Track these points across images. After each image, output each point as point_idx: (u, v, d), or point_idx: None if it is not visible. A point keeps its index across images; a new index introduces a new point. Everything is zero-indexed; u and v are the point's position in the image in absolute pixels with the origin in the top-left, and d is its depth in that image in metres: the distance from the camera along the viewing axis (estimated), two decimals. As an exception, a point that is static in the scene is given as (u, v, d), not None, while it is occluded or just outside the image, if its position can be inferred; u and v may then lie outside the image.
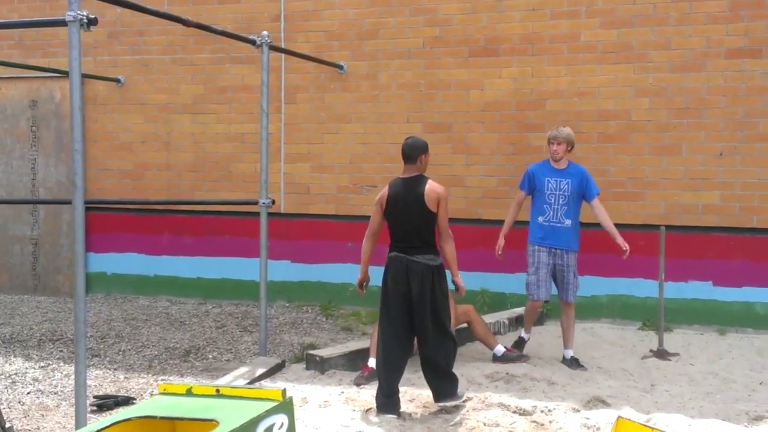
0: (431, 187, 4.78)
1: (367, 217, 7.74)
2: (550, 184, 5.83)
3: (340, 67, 7.78)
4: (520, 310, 7.02)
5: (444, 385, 4.75)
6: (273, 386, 5.42)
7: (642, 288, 6.83)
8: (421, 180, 4.81)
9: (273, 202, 6.23)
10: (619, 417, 3.03)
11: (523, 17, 7.27)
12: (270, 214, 6.36)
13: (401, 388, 5.10)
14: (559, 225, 5.82)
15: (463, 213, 7.44)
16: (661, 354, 5.98)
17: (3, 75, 8.61)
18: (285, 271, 8.00)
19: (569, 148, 5.86)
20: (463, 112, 7.49)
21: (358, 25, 7.77)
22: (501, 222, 7.27)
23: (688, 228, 6.84)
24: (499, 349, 5.90)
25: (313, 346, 6.35)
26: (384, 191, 4.92)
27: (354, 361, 5.81)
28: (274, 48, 6.37)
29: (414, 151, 4.87)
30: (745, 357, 6.01)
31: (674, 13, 6.83)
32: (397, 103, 7.69)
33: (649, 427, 3.01)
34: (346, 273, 7.83)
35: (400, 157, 7.60)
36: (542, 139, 7.16)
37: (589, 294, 7.06)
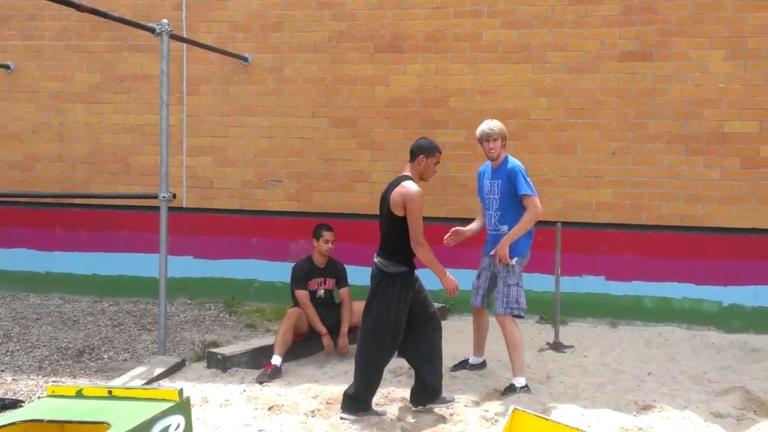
0: (399, 189, 4.48)
1: (272, 213, 7.78)
2: (485, 188, 5.35)
3: (245, 59, 7.65)
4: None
5: (347, 389, 4.71)
6: (171, 386, 5.29)
7: (540, 282, 7.05)
8: (401, 180, 4.56)
9: (174, 196, 6.06)
10: (515, 409, 3.11)
11: (428, 15, 7.35)
12: (171, 209, 6.18)
13: (306, 385, 5.09)
14: (495, 233, 5.25)
15: (368, 208, 7.45)
16: (557, 346, 6.20)
17: None
18: (187, 267, 7.80)
19: (504, 143, 5.24)
20: (368, 108, 7.52)
21: (263, 17, 7.66)
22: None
23: (583, 224, 7.11)
24: None
25: (215, 344, 6.22)
26: None
27: (257, 358, 5.74)
28: (174, 37, 6.19)
29: (415, 150, 4.67)
30: (635, 348, 6.30)
31: (571, 16, 7.08)
32: (303, 97, 7.64)
33: (543, 418, 3.11)
34: (250, 269, 7.73)
35: (305, 152, 7.65)
36: (446, 135, 7.32)
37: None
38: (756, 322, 6.80)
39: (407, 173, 4.65)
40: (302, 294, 5.95)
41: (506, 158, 5.26)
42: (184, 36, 7.45)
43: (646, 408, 4.79)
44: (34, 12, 7.97)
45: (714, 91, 6.82)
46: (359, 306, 5.97)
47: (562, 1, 7.08)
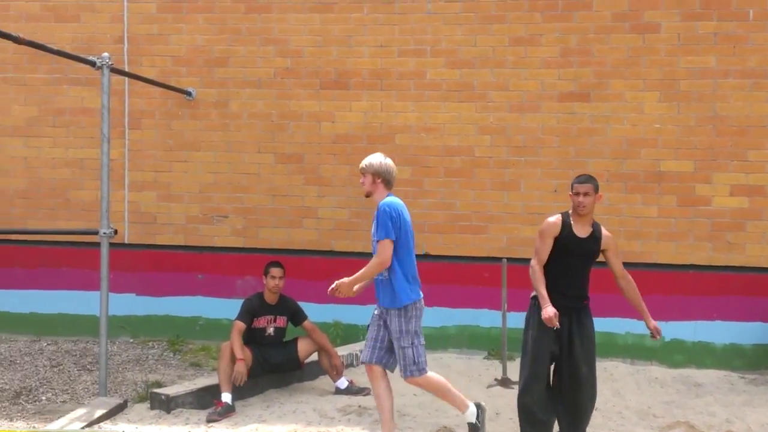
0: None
1: (218, 248, 7.69)
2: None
3: (189, 94, 7.61)
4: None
5: None
6: (113, 429, 5.16)
7: (487, 318, 7.14)
8: None
9: (115, 231, 5.95)
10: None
11: (372, 53, 7.47)
12: (113, 245, 6.07)
13: (254, 425, 5.02)
14: (377, 278, 4.82)
15: (315, 245, 7.47)
16: (505, 382, 6.27)
17: None
18: (129, 304, 7.63)
19: (377, 180, 4.78)
20: (315, 144, 7.55)
21: (208, 52, 7.65)
22: (353, 254, 7.40)
23: (528, 260, 7.17)
24: (342, 382, 5.97)
25: (158, 384, 6.09)
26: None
27: (203, 398, 5.64)
28: (115, 71, 6.13)
29: None
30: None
31: (511, 57, 7.29)
32: (249, 133, 7.62)
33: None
34: (195, 306, 7.61)
35: (251, 188, 7.62)
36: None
37: (438, 325, 7.30)
38: (697, 357, 7.02)
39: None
40: (236, 324, 5.84)
41: (383, 199, 4.79)
42: (126, 69, 7.38)
43: (592, 441, 4.88)
44: (-30, 43, 7.76)
45: (650, 131, 7.10)
46: (324, 337, 6.00)
47: (502, 42, 7.29)
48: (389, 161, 4.85)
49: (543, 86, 7.25)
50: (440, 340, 7.31)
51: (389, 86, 7.45)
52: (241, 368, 5.61)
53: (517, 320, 7.01)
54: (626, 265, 4.92)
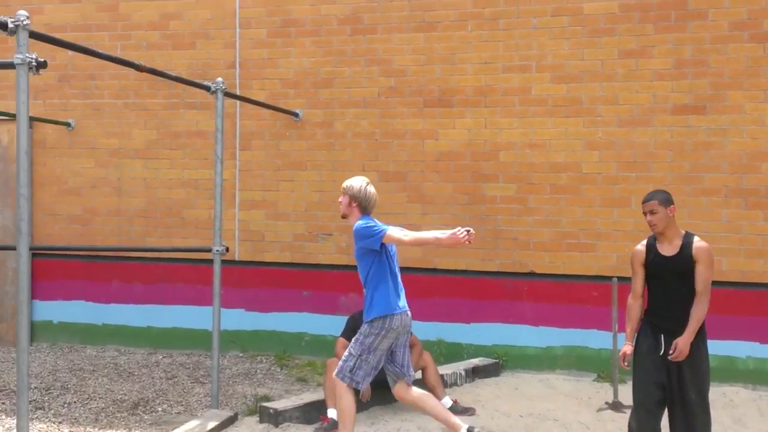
0: None
1: (323, 266, 7.83)
2: None
3: (296, 115, 7.81)
4: (476, 361, 7.07)
5: None
6: (226, 441, 5.30)
7: (596, 339, 6.92)
8: None
9: (227, 249, 6.16)
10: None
11: (476, 70, 7.43)
12: (224, 262, 6.28)
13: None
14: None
15: (419, 262, 7.47)
16: (616, 406, 6.03)
17: (-52, 117, 8.38)
18: (239, 319, 7.88)
19: (353, 203, 4.98)
20: (418, 162, 7.58)
21: (314, 74, 7.83)
22: (457, 272, 7.38)
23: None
24: (446, 401, 5.89)
25: (267, 398, 6.23)
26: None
27: (309, 413, 5.72)
28: (228, 94, 6.37)
29: None
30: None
31: (621, 70, 7.08)
32: (353, 151, 7.74)
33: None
34: (301, 322, 7.76)
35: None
36: (496, 189, 7.34)
37: (544, 345, 7.13)
38: (824, 382, 6.54)
39: None
40: (341, 341, 5.91)
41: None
42: (238, 93, 7.66)
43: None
44: (95, 72, 8.28)
45: (771, 143, 6.71)
46: (423, 354, 5.97)
47: (611, 55, 7.09)
48: (371, 189, 5.00)
49: (655, 99, 6.99)
50: (547, 361, 7.13)
51: (493, 103, 7.39)
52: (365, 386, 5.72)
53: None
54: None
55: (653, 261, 4.47)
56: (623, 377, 6.67)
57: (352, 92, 7.75)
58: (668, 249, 4.45)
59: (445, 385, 6.23)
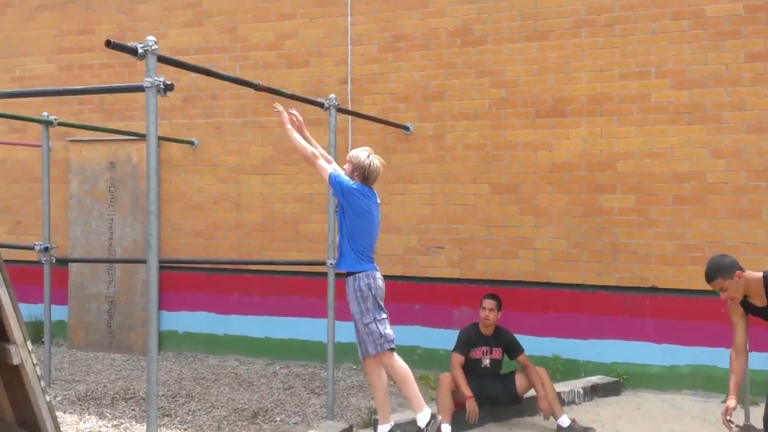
0: None
1: (435, 279, 7.82)
2: None
3: (407, 128, 7.86)
4: (595, 379, 6.84)
5: None
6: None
7: (725, 358, 6.51)
8: None
9: (341, 262, 6.25)
10: None
11: (591, 78, 7.23)
12: (337, 275, 6.37)
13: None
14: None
15: (532, 276, 7.33)
16: (748, 429, 5.67)
17: (84, 138, 9.00)
18: (352, 332, 7.94)
19: (355, 174, 5.15)
20: (530, 173, 7.45)
21: (424, 87, 7.86)
22: (572, 286, 7.19)
23: (771, 293, 6.54)
24: (564, 420, 5.71)
25: (380, 411, 6.26)
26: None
27: (423, 428, 5.70)
28: (341, 110, 6.50)
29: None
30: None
31: (748, 74, 6.70)
32: (464, 164, 7.70)
33: None
34: (413, 336, 7.77)
35: (467, 218, 7.66)
36: (614, 200, 7.11)
37: (668, 363, 6.81)
38: None
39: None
40: (455, 357, 5.89)
41: None
42: (350, 109, 7.80)
43: None
44: (216, 92, 8.65)
45: None
46: (538, 370, 5.83)
47: (737, 58, 6.73)
48: (375, 161, 5.09)
49: (787, 103, 6.57)
50: (672, 381, 6.81)
51: (610, 111, 7.16)
52: (473, 407, 5.67)
53: (761, 361, 6.37)
54: None
55: (751, 310, 4.32)
56: (756, 399, 6.26)
57: (462, 104, 7.72)
58: (759, 302, 4.32)
59: (563, 403, 6.06)
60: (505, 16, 7.52)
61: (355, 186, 5.05)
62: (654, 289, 6.89)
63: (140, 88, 4.34)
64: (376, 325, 5.01)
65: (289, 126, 5.31)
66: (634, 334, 6.94)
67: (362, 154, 5.13)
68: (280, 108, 5.37)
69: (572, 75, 7.30)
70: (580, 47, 7.27)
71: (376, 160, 5.14)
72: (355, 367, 7.95)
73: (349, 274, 5.13)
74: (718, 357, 6.65)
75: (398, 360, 5.06)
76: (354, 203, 5.04)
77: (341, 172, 5.18)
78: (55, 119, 7.10)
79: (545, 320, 7.24)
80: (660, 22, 7.00)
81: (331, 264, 6.12)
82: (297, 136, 5.28)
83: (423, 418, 4.89)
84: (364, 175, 5.10)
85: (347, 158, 5.22)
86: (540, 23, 7.41)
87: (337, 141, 6.30)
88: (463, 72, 7.72)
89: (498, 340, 6.04)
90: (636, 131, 7.07)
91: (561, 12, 7.33)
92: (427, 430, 4.83)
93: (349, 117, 7.86)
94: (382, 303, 5.09)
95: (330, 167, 5.20)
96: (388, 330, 5.04)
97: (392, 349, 5.07)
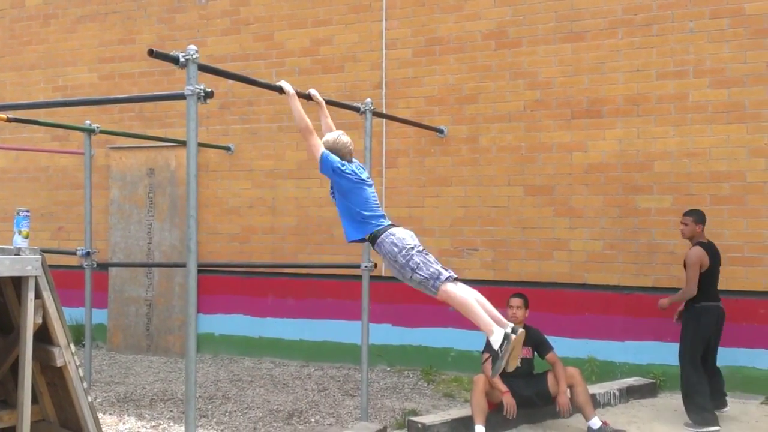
0: None
1: (469, 281, 7.74)
2: None
3: (441, 131, 7.87)
4: (631, 381, 6.73)
5: None
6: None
7: (764, 359, 6.40)
8: None
9: (375, 265, 6.27)
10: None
11: (627, 78, 7.16)
12: (372, 278, 6.39)
13: None
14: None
15: (567, 277, 7.26)
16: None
17: (124, 145, 9.19)
18: (386, 334, 7.99)
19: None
20: (565, 174, 7.39)
21: (458, 90, 7.86)
22: (608, 287, 7.10)
23: (815, 295, 6.40)
24: (595, 422, 5.63)
25: (414, 413, 6.26)
26: None
27: (457, 429, 5.68)
28: (376, 114, 6.52)
29: None
30: None
31: (790, 71, 6.57)
32: (498, 166, 7.68)
33: None
34: (447, 337, 7.75)
35: (501, 220, 7.63)
36: (651, 201, 7.01)
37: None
38: None
39: None
40: (486, 356, 5.85)
41: None
42: (384, 112, 7.83)
43: None
44: (252, 98, 8.77)
45: None
46: (571, 371, 5.76)
47: (777, 55, 6.61)
48: (343, 137, 5.12)
49: (829, 100, 6.42)
50: (710, 384, 6.66)
51: (646, 111, 7.08)
52: (510, 400, 5.64)
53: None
54: None
55: None
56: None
57: (497, 107, 7.70)
58: None
59: (597, 405, 5.99)
60: (540, 18, 7.50)
61: (342, 163, 5.05)
62: (693, 291, 6.76)
63: (181, 96, 4.41)
64: (418, 273, 4.81)
65: (293, 93, 5.26)
66: (671, 335, 6.80)
67: (330, 136, 5.20)
68: (288, 86, 5.31)
69: (608, 75, 7.24)
70: (616, 47, 7.21)
71: (343, 137, 5.18)
72: (389, 368, 7.95)
73: (372, 242, 5.04)
74: (757, 358, 6.52)
75: (456, 290, 4.78)
76: (347, 177, 5.02)
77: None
78: (98, 127, 7.25)
79: (580, 322, 7.16)
80: (698, 20, 6.91)
81: (365, 267, 6.15)
82: (299, 106, 5.25)
83: (496, 339, 4.61)
84: (335, 150, 5.08)
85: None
86: (575, 24, 7.37)
87: (371, 145, 6.33)
88: (498, 74, 7.70)
89: (527, 339, 5.97)
90: (674, 131, 6.97)
91: (597, 12, 7.28)
92: (501, 351, 4.58)
93: (384, 121, 7.90)
94: (414, 249, 4.91)
95: (323, 148, 5.15)
96: (432, 269, 4.82)
97: (453, 279, 4.85)
